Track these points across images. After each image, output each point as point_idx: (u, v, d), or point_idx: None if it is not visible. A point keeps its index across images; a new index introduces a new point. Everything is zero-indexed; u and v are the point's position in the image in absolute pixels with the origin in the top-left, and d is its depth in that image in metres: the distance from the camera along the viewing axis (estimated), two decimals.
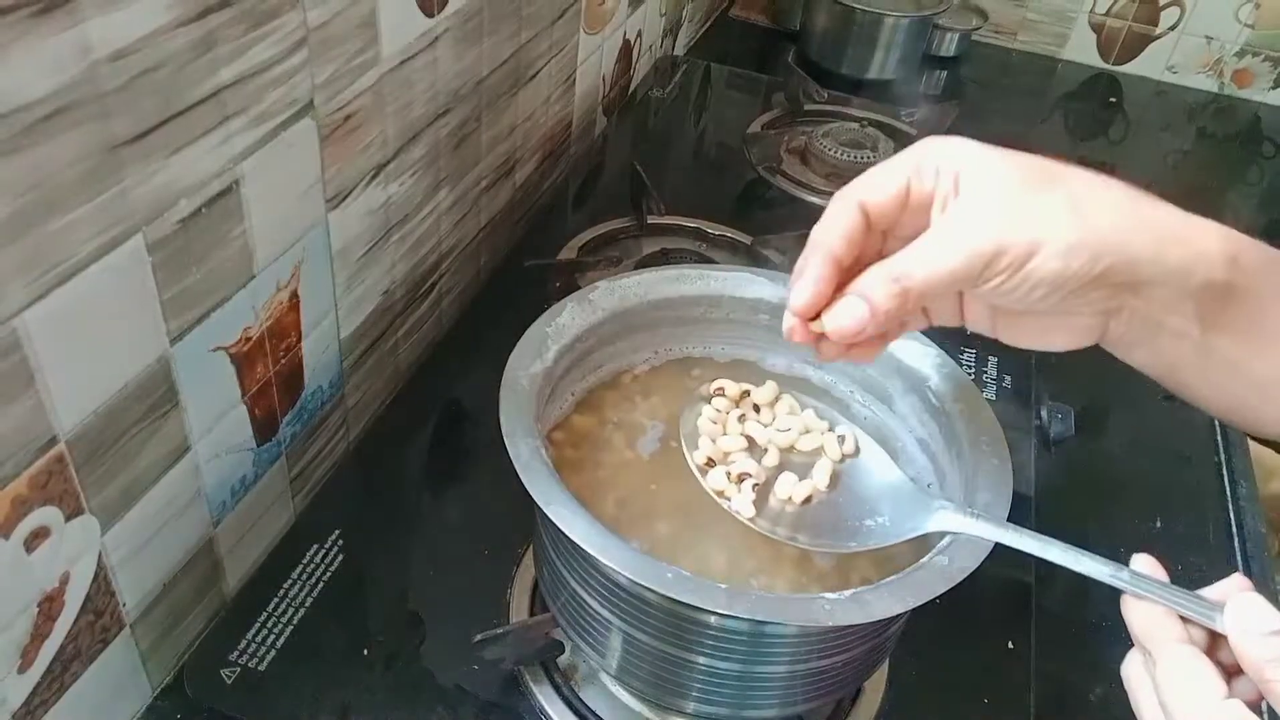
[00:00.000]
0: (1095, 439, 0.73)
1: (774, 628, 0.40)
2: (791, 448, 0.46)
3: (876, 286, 0.38)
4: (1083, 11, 1.34)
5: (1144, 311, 0.38)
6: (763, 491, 0.44)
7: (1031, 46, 1.39)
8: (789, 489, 0.44)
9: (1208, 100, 1.32)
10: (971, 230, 0.36)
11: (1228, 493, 0.71)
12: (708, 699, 0.44)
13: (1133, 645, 0.36)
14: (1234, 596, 0.33)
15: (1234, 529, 0.68)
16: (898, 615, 0.40)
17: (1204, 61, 1.32)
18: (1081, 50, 1.37)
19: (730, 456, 0.46)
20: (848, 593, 0.38)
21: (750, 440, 0.46)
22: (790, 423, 0.47)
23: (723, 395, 0.48)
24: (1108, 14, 1.33)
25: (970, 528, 0.40)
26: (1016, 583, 0.58)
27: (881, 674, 0.54)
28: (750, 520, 0.43)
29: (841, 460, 0.46)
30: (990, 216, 0.36)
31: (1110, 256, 0.36)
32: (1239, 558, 0.66)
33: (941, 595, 0.38)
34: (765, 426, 0.47)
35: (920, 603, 0.38)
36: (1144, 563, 0.36)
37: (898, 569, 0.41)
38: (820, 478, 0.45)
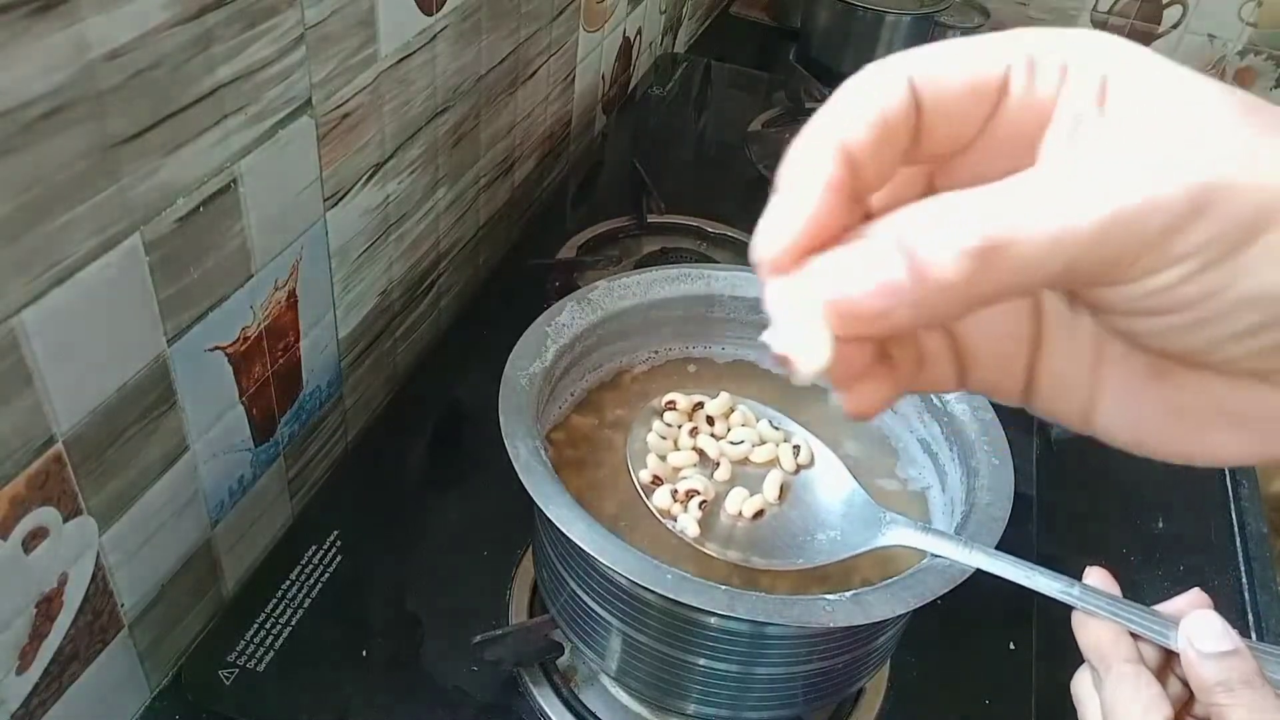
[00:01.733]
0: (1097, 439, 0.72)
1: (774, 629, 0.40)
2: (745, 460, 0.46)
3: (938, 233, 0.19)
4: (1085, 9, 1.34)
5: None
6: (712, 507, 0.44)
7: None
8: (739, 504, 0.43)
9: None
10: (1151, 157, 0.18)
11: (1230, 493, 0.70)
12: (708, 700, 0.43)
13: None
14: (1189, 614, 0.32)
15: (1236, 530, 0.68)
16: (899, 616, 0.40)
17: (1206, 60, 1.32)
18: None
19: (680, 472, 0.45)
20: (848, 594, 0.38)
21: (701, 454, 0.46)
22: (744, 434, 0.46)
23: (674, 409, 0.47)
24: (1110, 12, 1.33)
25: (921, 543, 0.40)
26: (1018, 584, 0.58)
27: (883, 675, 0.54)
28: (695, 541, 0.42)
29: (795, 472, 0.45)
30: (1184, 145, 0.18)
31: None
32: (1240, 559, 0.66)
33: (942, 596, 0.38)
34: (718, 439, 0.46)
35: (921, 604, 0.38)
36: (1097, 576, 0.35)
37: (899, 570, 0.41)
38: (771, 491, 0.44)
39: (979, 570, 0.39)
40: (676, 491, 0.43)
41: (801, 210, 0.20)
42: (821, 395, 0.53)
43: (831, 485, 0.45)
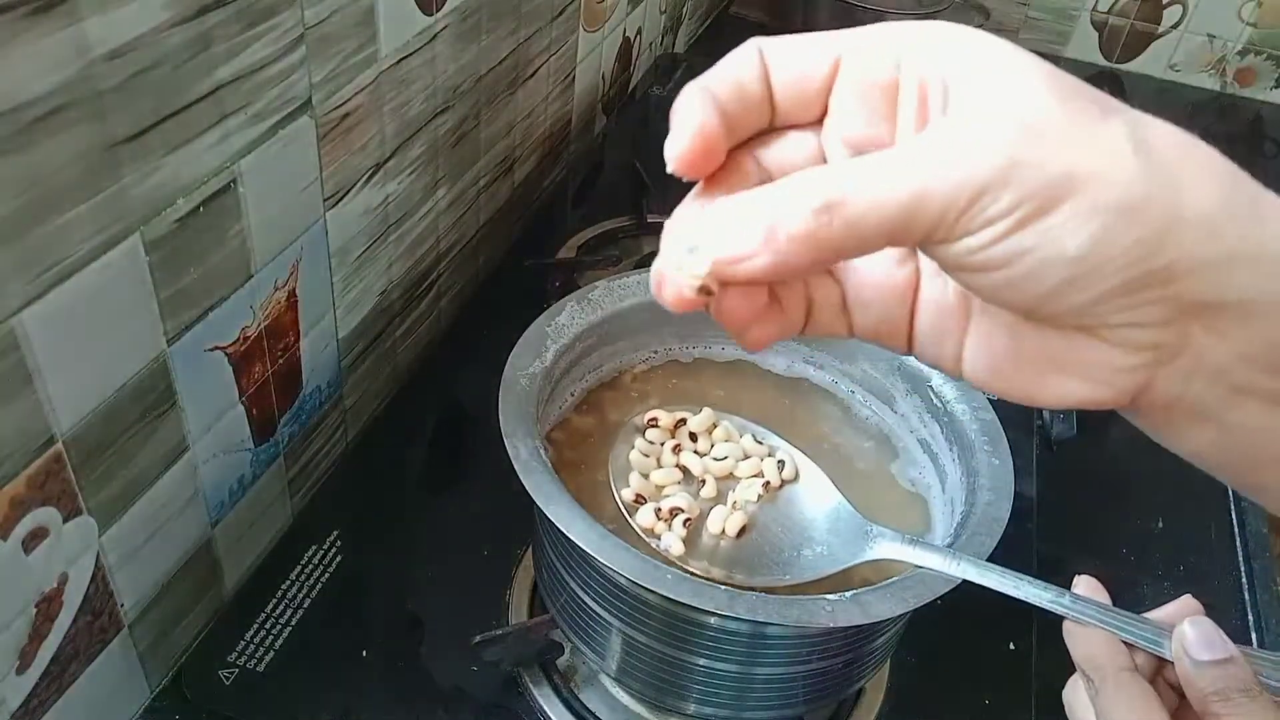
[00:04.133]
0: (1097, 439, 0.72)
1: (774, 629, 0.40)
2: (729, 475, 0.45)
3: (788, 198, 0.23)
4: (1085, 9, 1.34)
5: (1217, 360, 0.23)
6: (697, 525, 0.43)
7: (1033, 44, 1.38)
8: (721, 522, 0.43)
9: (1210, 99, 1.32)
10: (967, 138, 0.22)
11: (1230, 493, 0.70)
12: (708, 700, 0.43)
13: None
14: (1182, 623, 0.32)
15: (1235, 529, 0.68)
16: (899, 616, 0.40)
17: (1206, 60, 1.32)
18: (1084, 48, 1.36)
19: (664, 490, 0.44)
20: (848, 594, 0.38)
21: (685, 471, 0.45)
22: (727, 450, 0.46)
23: (656, 426, 0.47)
24: (1110, 12, 1.32)
25: (908, 555, 0.39)
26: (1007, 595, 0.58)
27: (882, 675, 0.54)
28: (680, 559, 0.42)
29: (780, 486, 0.45)
30: (1003, 126, 0.22)
31: (1189, 237, 0.22)
32: (1240, 558, 0.66)
33: (942, 596, 0.38)
34: (701, 456, 0.46)
35: (921, 604, 0.38)
36: (1086, 585, 0.35)
37: (899, 570, 0.41)
38: (754, 508, 0.44)
39: None
40: (660, 510, 0.43)
41: (691, 128, 0.25)
42: (819, 400, 0.53)
43: (817, 499, 0.44)
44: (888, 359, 0.50)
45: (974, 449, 0.45)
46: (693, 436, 0.47)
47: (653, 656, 0.43)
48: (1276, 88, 1.31)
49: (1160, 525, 0.67)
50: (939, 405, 0.48)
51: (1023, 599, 0.35)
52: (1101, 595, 0.35)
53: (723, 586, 0.38)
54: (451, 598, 0.55)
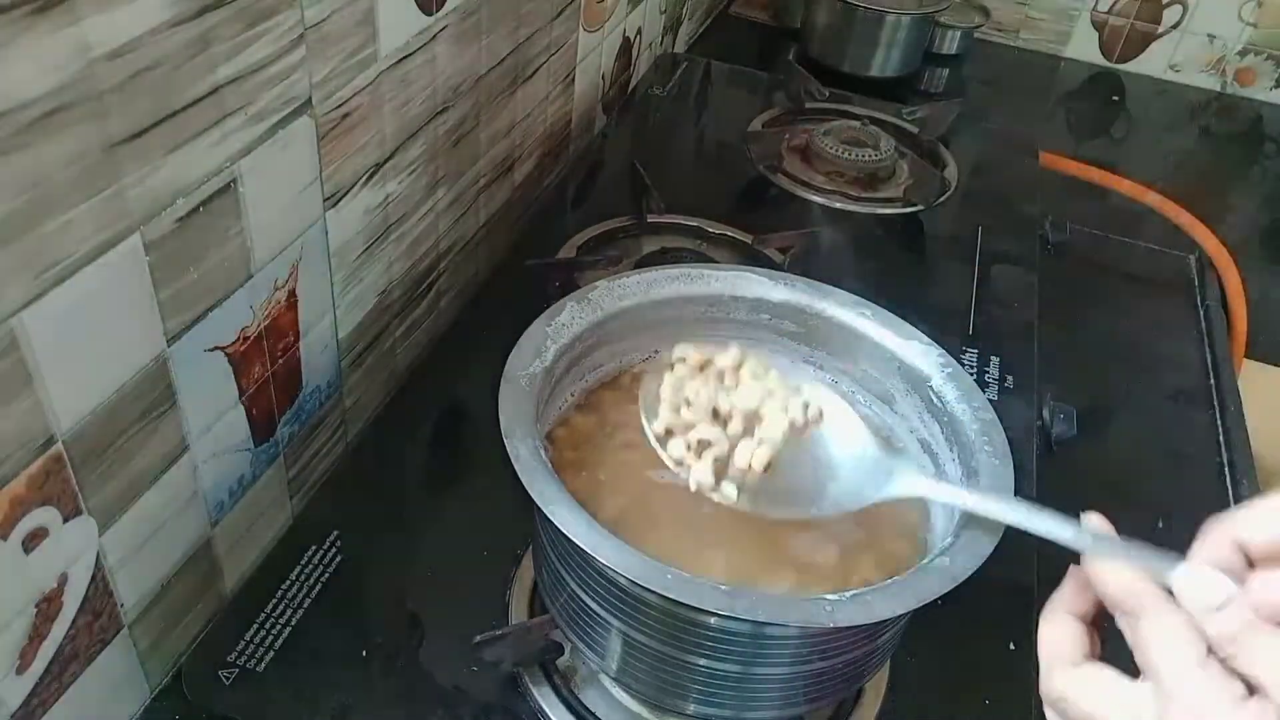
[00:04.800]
0: (1097, 439, 0.73)
1: (775, 629, 0.40)
2: (756, 413, 0.45)
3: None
4: (1085, 9, 1.34)
5: None
6: (725, 460, 0.43)
7: (1034, 44, 1.39)
8: (748, 456, 0.43)
9: (1210, 99, 1.32)
10: None
11: (1230, 494, 0.70)
12: (708, 700, 0.43)
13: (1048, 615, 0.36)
14: (1184, 566, 0.32)
15: None
16: (899, 616, 0.40)
17: (1206, 60, 1.32)
18: (1084, 48, 1.37)
19: (692, 425, 0.44)
20: (849, 593, 0.38)
21: (714, 408, 0.45)
22: (754, 387, 0.45)
23: (684, 362, 0.46)
24: (1110, 12, 1.33)
25: (931, 490, 0.40)
26: (1018, 584, 0.58)
27: (883, 675, 0.54)
28: (709, 489, 0.42)
29: (806, 425, 0.45)
30: None
31: None
32: None
33: (943, 596, 0.38)
34: (729, 393, 0.46)
35: (922, 603, 0.38)
36: (1097, 522, 0.35)
37: (899, 570, 0.41)
38: (782, 443, 0.44)
39: (979, 571, 0.39)
40: (690, 443, 0.43)
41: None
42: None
43: (843, 437, 0.44)
44: (887, 359, 0.50)
45: (974, 449, 0.45)
46: (720, 375, 0.46)
47: (653, 656, 0.43)
48: (1276, 88, 1.31)
49: (1160, 526, 0.67)
50: (939, 405, 0.48)
51: (1043, 534, 0.37)
52: (1111, 531, 0.35)
53: (723, 587, 0.38)
54: (451, 598, 0.55)
